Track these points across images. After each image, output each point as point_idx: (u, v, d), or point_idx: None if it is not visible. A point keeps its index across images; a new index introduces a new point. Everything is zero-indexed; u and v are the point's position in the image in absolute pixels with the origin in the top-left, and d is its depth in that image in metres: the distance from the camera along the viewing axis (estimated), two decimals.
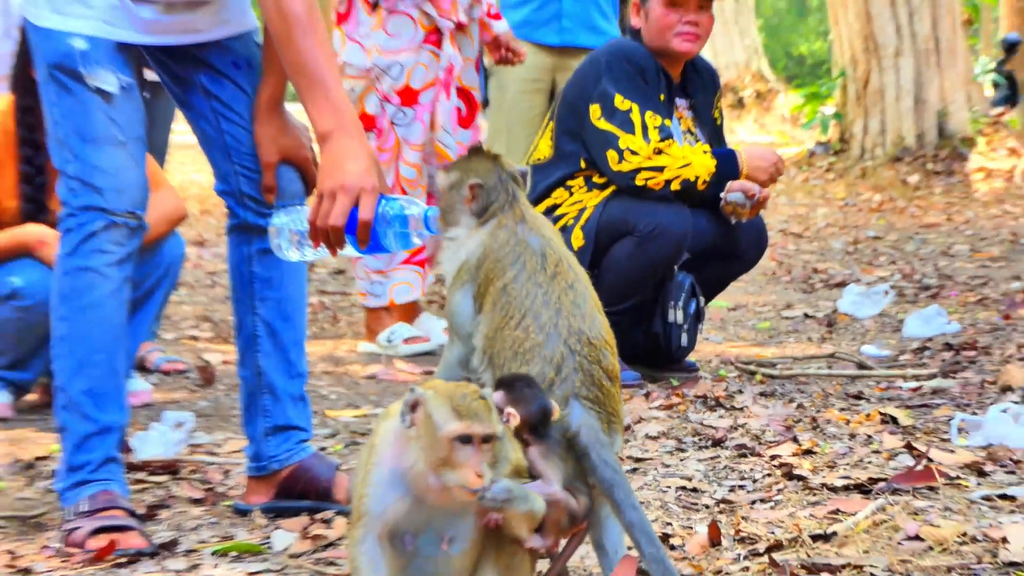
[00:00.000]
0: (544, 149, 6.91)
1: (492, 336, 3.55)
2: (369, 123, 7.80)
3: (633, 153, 6.61)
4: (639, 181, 6.63)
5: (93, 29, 4.32)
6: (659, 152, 6.60)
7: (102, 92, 4.33)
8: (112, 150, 4.35)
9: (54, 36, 4.33)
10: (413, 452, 3.15)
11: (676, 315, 6.85)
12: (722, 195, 6.84)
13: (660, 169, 6.61)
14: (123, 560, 4.16)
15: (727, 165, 6.71)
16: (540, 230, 3.68)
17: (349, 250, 3.99)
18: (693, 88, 7.06)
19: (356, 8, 7.82)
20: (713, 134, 7.08)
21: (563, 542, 3.50)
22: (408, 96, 7.87)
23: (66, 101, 4.34)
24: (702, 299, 6.99)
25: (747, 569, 3.89)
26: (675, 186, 6.63)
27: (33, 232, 6.33)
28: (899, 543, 4.01)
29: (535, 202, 6.67)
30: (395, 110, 7.88)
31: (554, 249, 3.64)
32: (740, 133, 24.55)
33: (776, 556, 3.91)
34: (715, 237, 6.92)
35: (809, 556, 3.94)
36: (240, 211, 4.60)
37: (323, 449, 5.59)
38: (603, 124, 6.67)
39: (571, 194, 6.79)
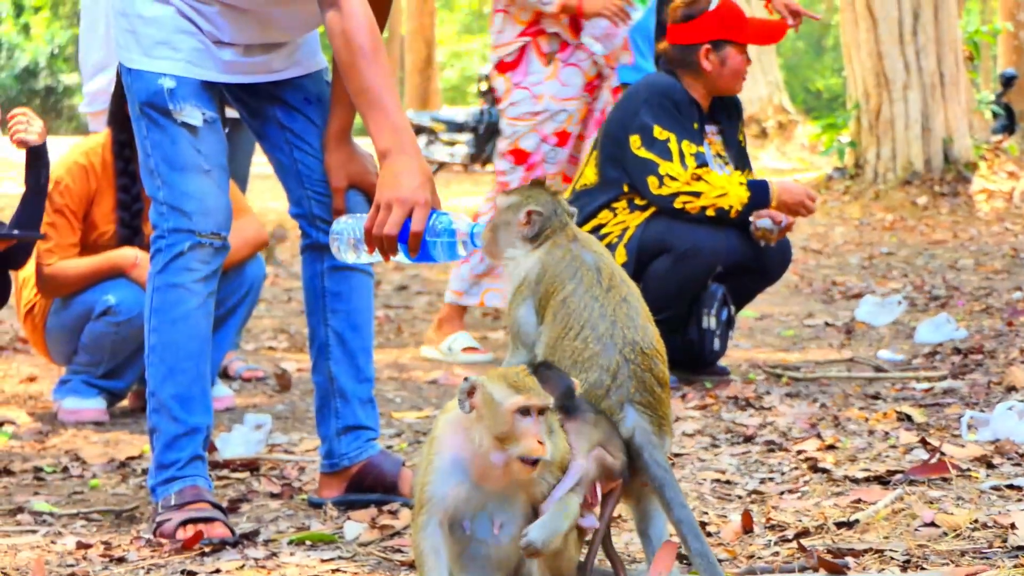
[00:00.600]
0: (589, 176, 6.92)
1: (553, 345, 3.53)
2: (522, 157, 7.93)
3: (672, 179, 6.62)
4: (678, 204, 6.64)
5: (180, 70, 4.34)
6: (697, 178, 6.61)
7: (188, 126, 4.34)
8: (198, 177, 4.36)
9: (145, 77, 4.35)
10: (474, 435, 3.18)
11: (710, 322, 6.83)
12: (752, 220, 6.82)
13: (697, 195, 6.61)
14: (208, 549, 4.14)
15: (759, 196, 6.71)
16: (592, 247, 3.66)
17: (401, 257, 4.01)
18: (720, 116, 7.06)
19: (528, 59, 7.90)
20: (739, 155, 7.08)
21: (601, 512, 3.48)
22: (563, 137, 7.99)
23: (156, 134, 4.36)
24: (733, 308, 6.97)
25: (777, 554, 3.86)
26: (710, 212, 6.64)
27: (126, 254, 6.34)
28: (916, 529, 3.97)
29: (581, 223, 6.69)
30: (550, 149, 7.98)
31: (607, 264, 3.62)
32: (763, 160, 24.48)
33: (804, 542, 3.88)
34: (744, 254, 6.89)
35: (834, 542, 3.91)
36: (313, 232, 4.60)
37: (389, 447, 5.58)
38: (643, 153, 6.68)
39: (615, 215, 6.79)
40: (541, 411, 3.15)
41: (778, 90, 27.29)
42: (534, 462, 3.12)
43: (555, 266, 3.60)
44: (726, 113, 7.08)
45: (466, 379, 3.19)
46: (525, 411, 3.13)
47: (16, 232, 5.94)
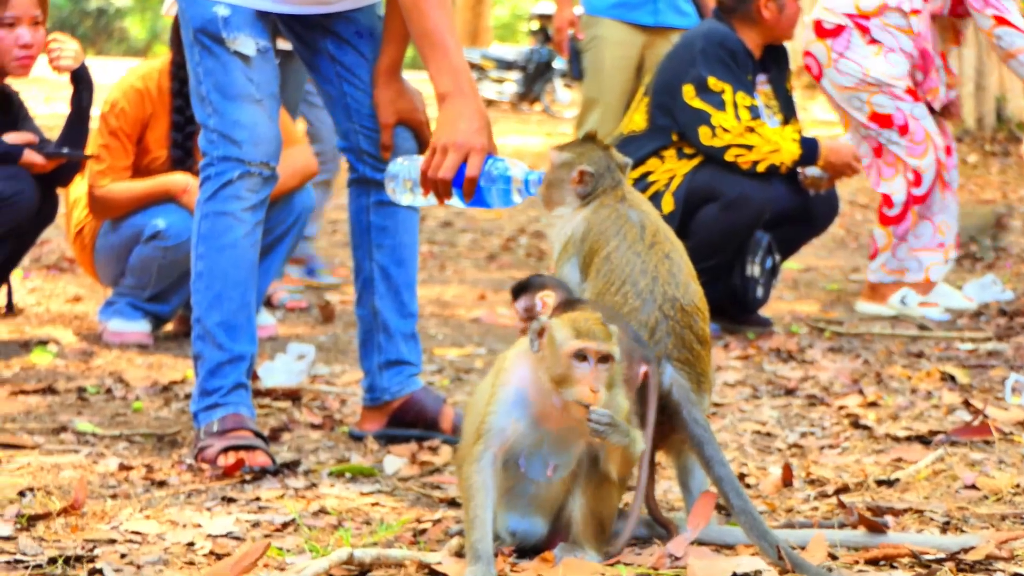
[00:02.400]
0: (639, 121, 6.89)
1: (594, 301, 3.52)
2: (886, 122, 7.59)
3: (725, 130, 6.61)
4: (729, 157, 6.63)
5: None
6: (750, 131, 6.60)
7: (241, 55, 4.33)
8: (249, 106, 4.34)
9: (200, 3, 4.33)
10: (538, 373, 3.17)
11: (753, 270, 6.81)
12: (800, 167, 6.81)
13: (749, 147, 6.60)
14: (249, 476, 4.15)
15: (809, 153, 6.70)
16: (640, 205, 3.65)
17: (455, 201, 4.00)
18: (770, 64, 7.02)
19: (849, 33, 7.65)
20: (786, 104, 7.05)
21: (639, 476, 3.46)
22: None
23: (209, 62, 4.34)
24: (778, 256, 6.94)
25: (816, 509, 3.84)
26: (761, 168, 6.63)
27: (177, 180, 6.35)
28: (957, 491, 3.95)
29: (631, 169, 6.66)
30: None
31: (652, 221, 3.61)
32: (814, 111, 24.29)
33: (843, 498, 3.86)
34: (792, 203, 6.87)
35: (874, 499, 3.89)
36: (359, 166, 4.59)
37: (430, 383, 5.57)
38: (697, 103, 6.66)
39: (663, 163, 6.77)
40: (603, 359, 3.13)
41: None
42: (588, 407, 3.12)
43: (600, 224, 3.59)
44: (775, 62, 7.04)
45: (539, 319, 3.19)
46: (582, 356, 3.12)
47: (65, 151, 5.96)
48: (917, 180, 7.46)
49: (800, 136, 6.75)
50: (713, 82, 6.68)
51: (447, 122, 4.03)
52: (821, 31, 7.49)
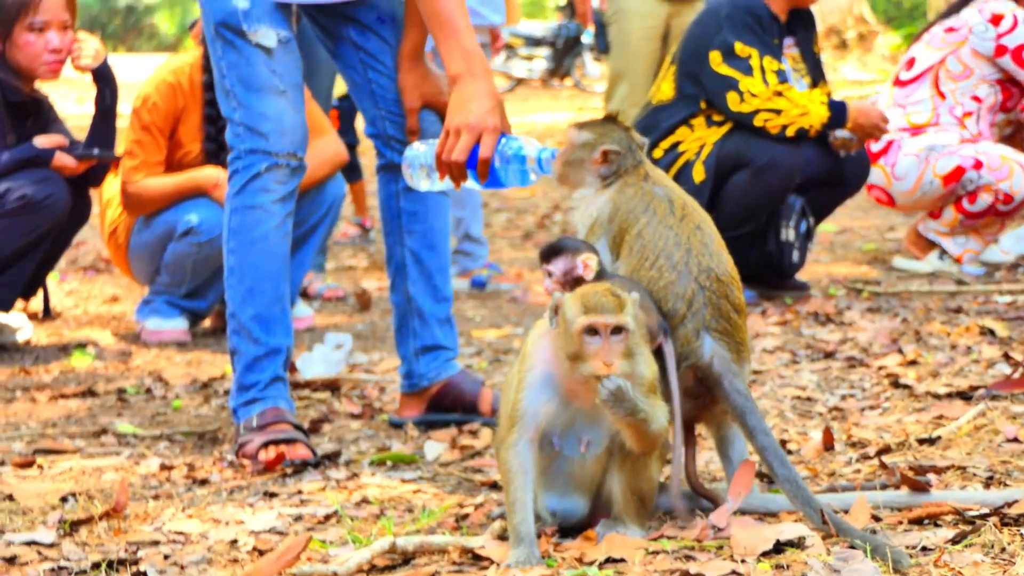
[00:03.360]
0: (667, 91, 6.86)
1: (630, 278, 3.49)
2: (956, 174, 7.50)
3: (753, 95, 6.57)
4: (758, 122, 6.59)
5: None
6: (779, 95, 6.56)
7: (263, 47, 4.32)
8: (274, 98, 4.33)
9: None
10: (557, 350, 3.17)
11: (788, 234, 6.77)
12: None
13: (778, 112, 6.56)
14: (290, 470, 4.16)
15: (838, 116, 6.64)
16: (663, 182, 3.62)
17: (471, 183, 3.99)
18: (796, 27, 6.97)
19: (899, 143, 7.62)
20: (815, 67, 7.00)
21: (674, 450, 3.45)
22: None
23: (231, 55, 4.34)
24: (812, 219, 6.90)
25: (859, 471, 3.83)
26: (790, 132, 6.59)
27: (209, 175, 6.35)
28: (999, 445, 3.93)
29: (659, 140, 6.65)
30: None
31: (679, 195, 3.60)
32: (844, 71, 24.18)
33: (885, 459, 3.85)
34: (823, 166, 6.83)
35: (916, 459, 3.88)
36: (387, 152, 4.58)
37: (469, 366, 5.57)
38: (724, 69, 6.63)
39: (692, 131, 6.74)
40: (616, 330, 3.12)
41: (858, 0, 26.95)
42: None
43: (627, 203, 3.57)
44: (802, 24, 7.00)
45: (556, 294, 3.18)
46: (592, 331, 3.11)
47: (96, 152, 5.98)
48: (1007, 199, 7.40)
49: (828, 99, 6.71)
50: (740, 48, 6.65)
51: (459, 104, 4.03)
52: (872, 156, 7.41)
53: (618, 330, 3.12)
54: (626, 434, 3.20)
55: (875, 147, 7.46)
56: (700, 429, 3.72)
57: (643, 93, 8.36)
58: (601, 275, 3.44)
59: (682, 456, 3.43)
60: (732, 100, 6.62)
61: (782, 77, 6.65)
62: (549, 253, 3.49)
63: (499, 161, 3.93)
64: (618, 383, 3.10)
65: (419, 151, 4.12)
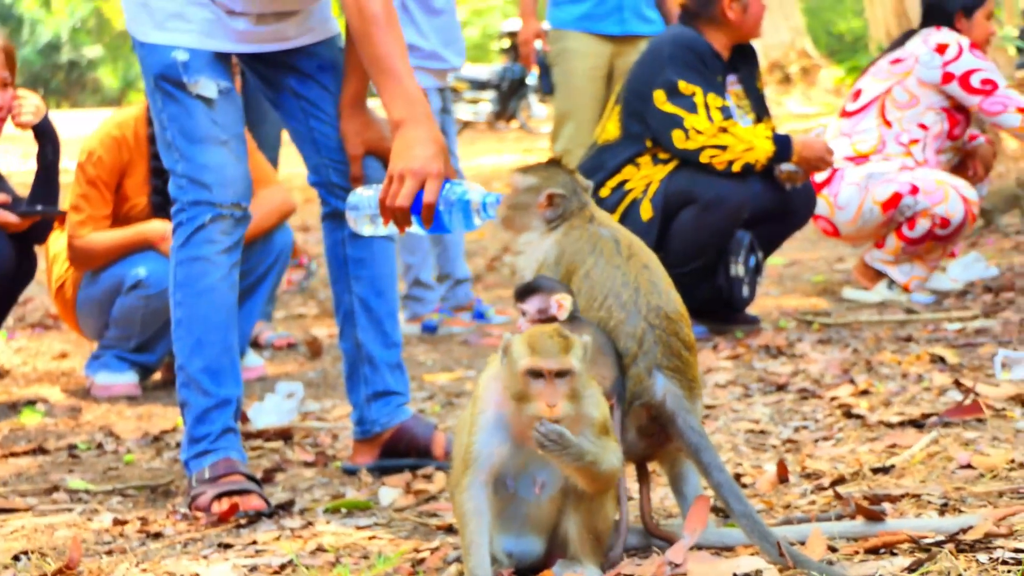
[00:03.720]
0: (612, 130, 6.89)
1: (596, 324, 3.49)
2: (893, 201, 7.58)
3: (698, 132, 6.60)
4: (704, 158, 6.61)
5: (193, 42, 4.30)
6: (723, 131, 6.59)
7: (203, 98, 4.31)
8: (216, 148, 4.33)
9: (158, 50, 4.31)
10: (507, 393, 3.16)
11: (737, 269, 6.80)
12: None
13: (724, 148, 6.59)
14: (244, 521, 4.13)
15: (783, 150, 6.68)
16: (608, 223, 3.63)
17: (415, 228, 3.98)
18: (739, 64, 7.01)
19: (842, 172, 7.69)
20: (758, 102, 7.04)
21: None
22: None
23: (172, 107, 4.33)
24: (760, 253, 6.93)
25: (814, 502, 3.83)
26: (736, 167, 6.62)
27: (155, 228, 6.33)
28: (953, 472, 3.94)
29: (605, 179, 6.67)
30: None
31: (624, 235, 3.61)
32: (788, 105, 24.33)
33: (840, 489, 3.85)
34: (770, 200, 6.86)
35: (870, 488, 3.88)
36: (332, 200, 4.57)
37: (422, 411, 5.56)
38: (668, 107, 6.66)
39: (639, 169, 6.77)
40: (559, 374, 3.11)
41: (800, 35, 27.11)
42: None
43: (573, 245, 3.57)
44: (745, 61, 7.04)
45: (505, 335, 3.18)
46: (536, 373, 3.10)
47: (39, 208, 5.95)
48: (944, 223, 7.47)
49: (773, 133, 6.75)
50: (683, 86, 6.68)
51: (402, 150, 4.01)
52: (816, 186, 7.46)
53: (563, 373, 3.12)
54: (575, 477, 3.18)
55: (819, 177, 7.51)
56: (654, 467, 3.71)
57: (589, 133, 8.41)
58: (574, 316, 3.44)
59: (624, 496, 3.43)
60: (678, 138, 6.64)
61: (726, 113, 6.69)
62: (524, 292, 3.47)
63: (443, 206, 3.93)
64: (553, 428, 3.08)
65: (363, 196, 4.12)
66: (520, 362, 3.10)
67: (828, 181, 7.66)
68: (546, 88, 9.39)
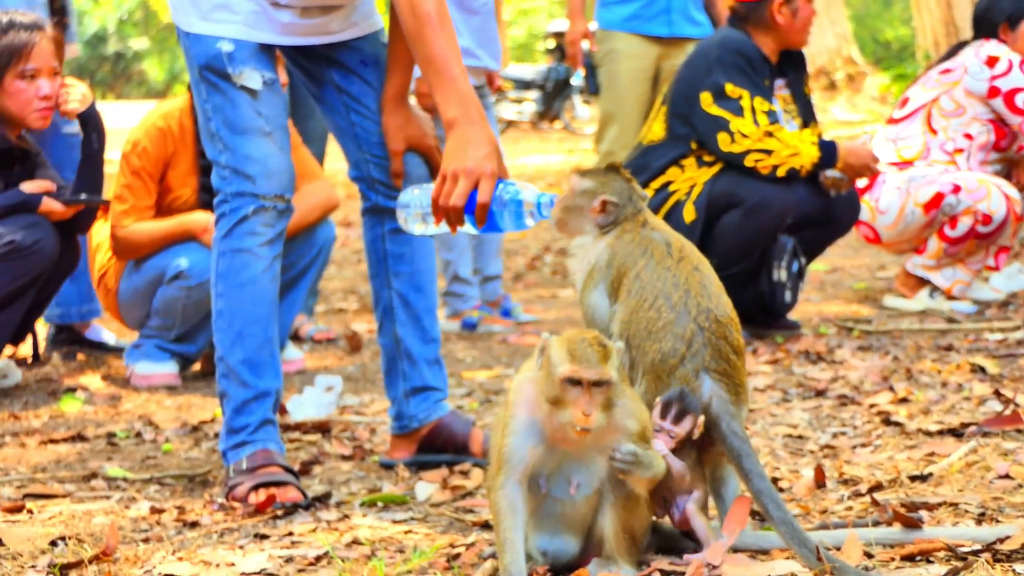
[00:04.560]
0: (657, 131, 6.89)
1: (628, 320, 3.51)
2: (936, 201, 7.59)
3: (744, 136, 6.60)
4: (749, 162, 6.61)
5: (238, 33, 4.31)
6: (769, 135, 6.59)
7: (248, 89, 4.31)
8: (260, 140, 4.33)
9: (203, 40, 4.32)
10: (541, 396, 3.16)
11: (780, 274, 6.79)
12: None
13: (769, 152, 6.59)
14: (281, 512, 4.14)
15: (828, 156, 6.67)
16: (660, 227, 3.63)
17: (468, 228, 3.98)
18: (787, 69, 7.01)
19: (884, 176, 7.71)
20: (805, 108, 7.03)
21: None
22: None
23: (216, 98, 4.33)
24: (803, 259, 6.92)
25: (850, 508, 3.82)
26: (781, 172, 6.61)
27: (198, 219, 6.36)
28: (991, 482, 3.92)
29: (649, 179, 6.68)
30: None
31: (676, 238, 3.61)
32: (833, 112, 24.23)
33: (877, 496, 3.84)
34: (813, 206, 6.85)
35: (908, 495, 3.86)
36: (372, 195, 4.58)
37: (460, 407, 5.56)
38: (715, 110, 6.66)
39: (683, 171, 6.77)
40: (597, 383, 3.11)
41: (847, 41, 27.01)
42: (584, 430, 3.10)
43: (624, 248, 3.58)
44: (793, 66, 7.03)
45: (544, 335, 3.19)
46: (575, 381, 3.10)
47: (83, 197, 5.97)
48: (986, 220, 7.44)
49: (819, 139, 6.73)
50: (730, 88, 6.68)
51: (456, 149, 4.02)
52: (858, 192, 7.44)
53: (601, 383, 3.12)
54: (631, 482, 3.22)
55: (860, 182, 7.50)
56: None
57: (633, 135, 8.42)
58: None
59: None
60: (723, 141, 6.64)
61: (772, 118, 6.67)
62: (679, 414, 3.41)
63: (496, 206, 3.93)
64: (627, 451, 3.14)
65: (414, 195, 4.12)
66: (559, 368, 3.10)
67: (870, 186, 7.64)
68: (592, 88, 9.39)
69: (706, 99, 6.70)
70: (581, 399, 3.09)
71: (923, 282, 7.67)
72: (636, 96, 8.90)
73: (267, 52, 4.36)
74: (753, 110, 6.65)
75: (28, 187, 5.93)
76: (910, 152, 7.65)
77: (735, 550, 3.37)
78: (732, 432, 3.44)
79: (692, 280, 3.50)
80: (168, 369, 6.44)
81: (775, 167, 6.62)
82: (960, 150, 7.60)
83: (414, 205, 4.10)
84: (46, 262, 5.93)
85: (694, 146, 6.78)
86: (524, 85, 26.49)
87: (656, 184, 6.77)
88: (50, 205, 5.91)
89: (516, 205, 3.90)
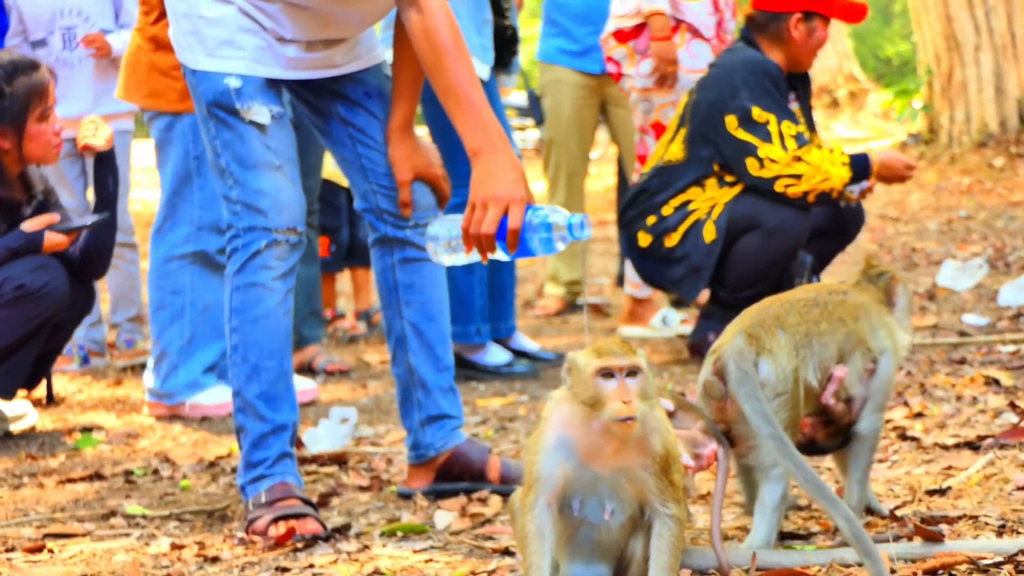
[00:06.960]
0: (676, 152, 6.90)
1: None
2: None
3: (772, 161, 6.62)
4: (779, 188, 6.63)
5: (244, 68, 4.32)
6: (798, 159, 6.59)
7: (256, 124, 4.32)
8: (270, 174, 4.34)
9: (210, 77, 4.33)
10: (575, 407, 3.14)
11: None
12: None
13: (798, 177, 6.60)
14: (301, 544, 4.14)
15: (860, 173, 6.67)
16: None
17: (499, 254, 3.97)
18: (796, 84, 7.04)
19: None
20: (809, 122, 7.06)
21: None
22: None
23: (225, 134, 4.34)
24: (820, 276, 6.95)
25: (870, 524, 3.80)
26: (811, 199, 6.62)
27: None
28: (1009, 494, 3.92)
29: (668, 198, 6.72)
30: None
31: None
32: (836, 129, 24.28)
33: (896, 511, 3.82)
34: (823, 216, 6.92)
35: (927, 510, 3.85)
36: (380, 225, 4.58)
37: (475, 435, 5.56)
38: (741, 134, 6.67)
39: (704, 191, 6.80)
40: (630, 372, 3.10)
41: (848, 59, 27.06)
42: (626, 420, 3.07)
43: None
44: (800, 81, 7.05)
45: (568, 354, 3.17)
46: (607, 373, 3.09)
47: (86, 220, 5.96)
48: None
49: (849, 157, 6.71)
50: (757, 113, 6.68)
51: (483, 177, 4.00)
52: (622, 36, 7.59)
53: (633, 373, 3.10)
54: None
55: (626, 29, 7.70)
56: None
57: (578, 156, 8.86)
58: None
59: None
60: (752, 166, 6.66)
61: (800, 141, 6.67)
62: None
63: (527, 231, 3.92)
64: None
65: (442, 226, 4.10)
66: (590, 366, 3.08)
67: (637, 34, 7.80)
68: (537, 118, 9.60)
69: (731, 122, 6.71)
70: (618, 390, 3.07)
71: None
72: (579, 122, 9.09)
73: (274, 87, 4.38)
74: (781, 135, 6.65)
75: (28, 225, 5.92)
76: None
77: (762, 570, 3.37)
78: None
79: None
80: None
81: (805, 193, 6.63)
82: None
83: (443, 236, 4.09)
84: (57, 304, 5.92)
85: (716, 168, 6.80)
86: (526, 112, 26.48)
87: (676, 202, 6.82)
88: (53, 239, 5.90)
89: (546, 229, 3.88)
